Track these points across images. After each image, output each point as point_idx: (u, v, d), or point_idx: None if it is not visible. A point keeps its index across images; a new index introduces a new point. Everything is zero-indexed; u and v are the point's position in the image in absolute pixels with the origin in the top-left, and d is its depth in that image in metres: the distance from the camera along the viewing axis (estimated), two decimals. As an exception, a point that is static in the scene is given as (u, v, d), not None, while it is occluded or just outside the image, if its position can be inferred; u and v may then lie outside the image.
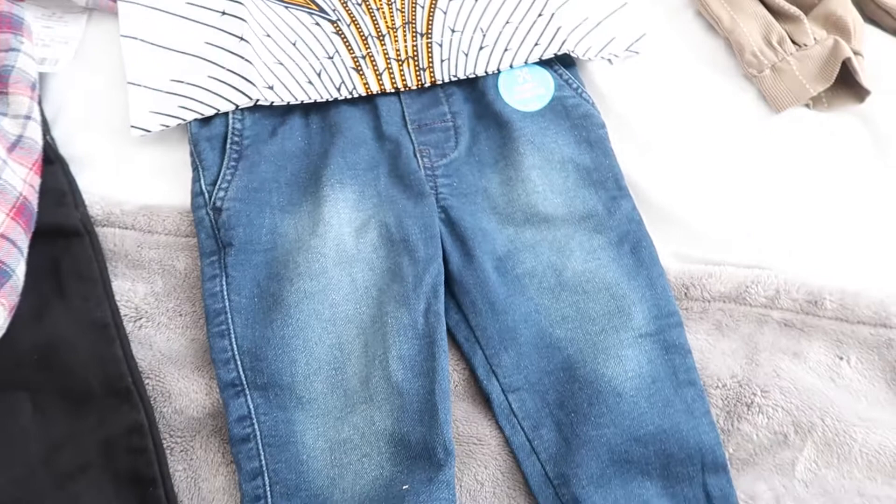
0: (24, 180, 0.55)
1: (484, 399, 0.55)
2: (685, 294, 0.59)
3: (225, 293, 0.54)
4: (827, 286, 0.59)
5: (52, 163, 0.59)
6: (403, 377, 0.52)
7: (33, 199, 0.55)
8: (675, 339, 0.56)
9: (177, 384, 0.53)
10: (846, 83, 0.67)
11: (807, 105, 0.68)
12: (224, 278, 0.55)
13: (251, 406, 0.51)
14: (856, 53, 0.66)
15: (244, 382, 0.52)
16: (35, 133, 0.58)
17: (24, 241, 0.52)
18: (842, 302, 0.58)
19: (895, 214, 0.64)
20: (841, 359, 0.57)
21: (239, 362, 0.52)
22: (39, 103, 0.61)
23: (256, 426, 0.51)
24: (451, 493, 0.50)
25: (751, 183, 0.64)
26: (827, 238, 0.62)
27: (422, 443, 0.51)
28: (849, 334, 0.58)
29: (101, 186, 0.60)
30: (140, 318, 0.55)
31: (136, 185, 0.61)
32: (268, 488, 0.49)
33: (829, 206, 0.64)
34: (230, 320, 0.53)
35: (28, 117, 0.58)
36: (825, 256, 0.61)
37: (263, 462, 0.50)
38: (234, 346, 0.53)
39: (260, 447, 0.50)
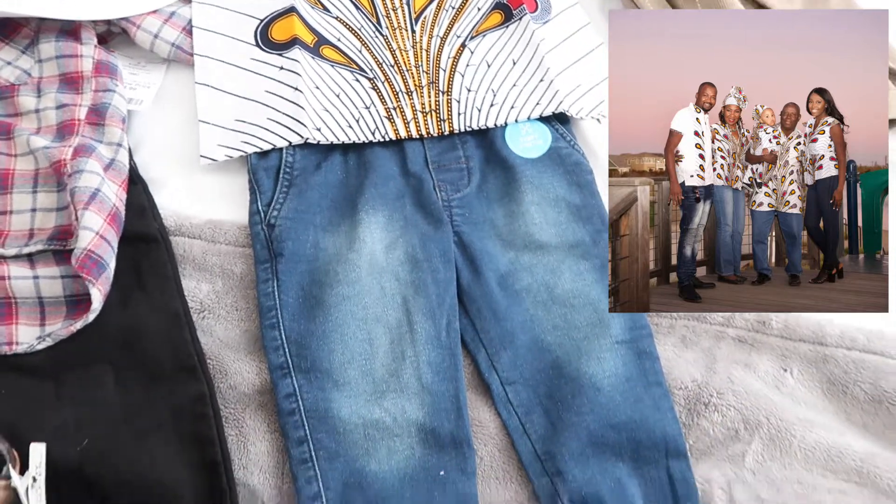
0: (115, 195, 0.67)
1: (485, 389, 0.65)
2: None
3: (276, 293, 0.65)
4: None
5: (136, 183, 0.71)
6: (433, 380, 0.63)
7: (122, 210, 0.67)
8: (646, 347, 0.67)
9: (232, 365, 0.64)
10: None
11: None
12: (275, 281, 0.66)
13: (296, 385, 0.62)
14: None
15: (290, 366, 0.62)
16: (124, 158, 0.70)
17: (115, 242, 0.64)
18: (786, 323, 0.69)
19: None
20: (785, 370, 0.68)
21: (286, 349, 0.63)
22: (126, 134, 0.73)
23: (300, 402, 0.61)
24: (475, 481, 0.60)
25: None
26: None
27: (450, 436, 0.61)
28: (792, 350, 0.69)
29: (173, 203, 0.72)
30: (203, 311, 0.66)
31: (203, 204, 0.73)
32: (312, 453, 0.59)
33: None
34: (280, 315, 0.64)
35: (119, 145, 0.71)
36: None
37: (307, 431, 0.60)
38: (283, 336, 0.64)
39: (304, 419, 0.60)
